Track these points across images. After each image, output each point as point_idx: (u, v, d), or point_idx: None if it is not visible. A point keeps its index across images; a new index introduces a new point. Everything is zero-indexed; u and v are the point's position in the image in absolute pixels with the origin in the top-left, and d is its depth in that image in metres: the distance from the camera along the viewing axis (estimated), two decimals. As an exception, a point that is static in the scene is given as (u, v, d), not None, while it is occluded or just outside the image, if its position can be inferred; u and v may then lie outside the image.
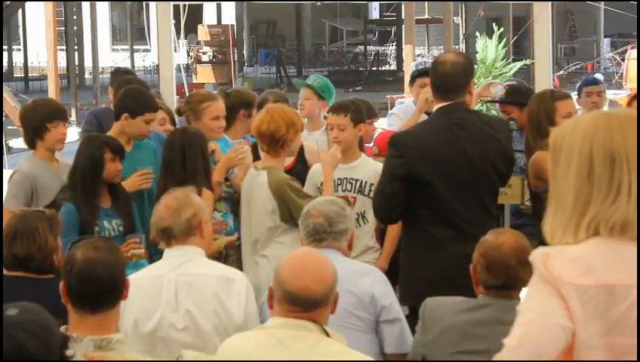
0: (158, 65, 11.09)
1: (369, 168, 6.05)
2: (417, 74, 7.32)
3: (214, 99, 6.43)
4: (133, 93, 6.32)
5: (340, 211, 4.64)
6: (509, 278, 3.99)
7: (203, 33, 27.98)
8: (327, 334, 3.51)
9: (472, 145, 5.08)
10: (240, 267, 5.72)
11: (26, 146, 6.31)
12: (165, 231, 4.42)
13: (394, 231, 5.87)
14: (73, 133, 8.06)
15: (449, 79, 5.16)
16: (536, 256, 2.56)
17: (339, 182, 6.06)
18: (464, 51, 28.16)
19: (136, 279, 4.51)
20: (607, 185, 2.51)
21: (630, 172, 2.52)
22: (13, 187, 5.99)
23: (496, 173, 5.15)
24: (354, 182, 6.02)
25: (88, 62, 31.06)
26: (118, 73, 8.18)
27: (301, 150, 6.32)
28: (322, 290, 3.48)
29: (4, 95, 15.78)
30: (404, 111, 7.45)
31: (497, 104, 7.25)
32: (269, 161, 5.75)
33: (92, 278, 3.56)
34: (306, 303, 3.47)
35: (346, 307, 4.19)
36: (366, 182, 6.01)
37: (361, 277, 4.51)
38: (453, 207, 5.02)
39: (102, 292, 3.56)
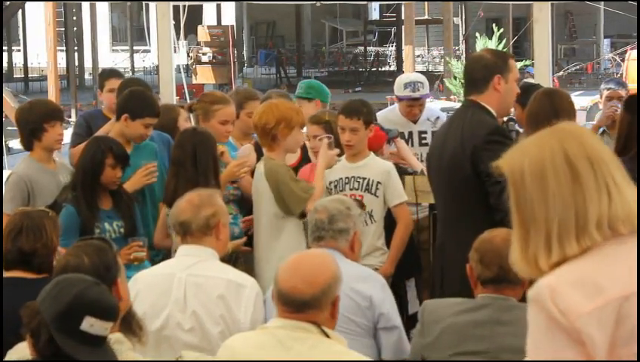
0: (157, 66, 11.09)
1: (378, 167, 6.01)
2: (403, 98, 7.33)
3: (226, 103, 6.38)
4: (137, 96, 6.28)
5: (344, 210, 4.63)
6: (502, 269, 3.97)
7: (203, 34, 28.02)
8: (327, 336, 3.51)
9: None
10: (248, 270, 5.73)
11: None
12: (182, 225, 4.44)
13: (400, 233, 5.86)
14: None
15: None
16: (542, 292, 2.39)
17: (346, 181, 6.04)
18: (464, 52, 28.19)
19: (147, 275, 4.56)
20: (595, 185, 2.48)
21: (610, 171, 2.50)
22: (9, 190, 5.96)
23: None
24: (361, 180, 5.98)
25: (88, 63, 31.11)
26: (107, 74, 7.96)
27: (305, 149, 6.33)
28: (310, 292, 3.46)
29: (4, 96, 15.78)
30: (382, 117, 7.46)
31: None
32: (267, 154, 5.79)
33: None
34: (295, 303, 3.47)
35: (343, 311, 4.16)
36: (373, 181, 5.96)
37: (360, 281, 4.48)
38: None
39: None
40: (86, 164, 5.61)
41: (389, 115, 7.39)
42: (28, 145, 6.11)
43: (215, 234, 4.44)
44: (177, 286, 4.36)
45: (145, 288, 4.39)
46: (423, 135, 7.28)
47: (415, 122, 7.31)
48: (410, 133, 7.22)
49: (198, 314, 4.32)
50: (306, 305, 3.46)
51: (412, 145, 7.16)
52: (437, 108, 8.40)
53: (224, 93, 6.84)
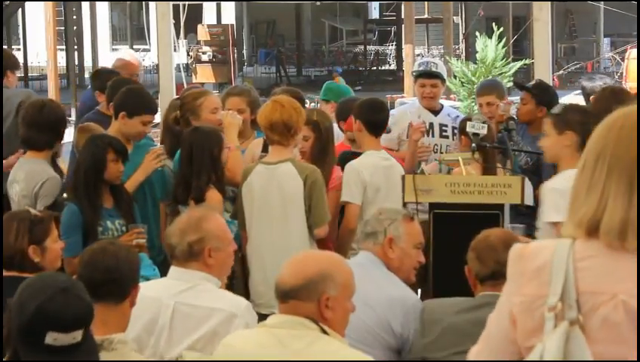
0: (157, 65, 11.10)
1: None
2: (417, 74, 7.39)
3: (207, 93, 6.41)
4: (134, 93, 6.29)
5: (376, 214, 4.76)
6: (499, 264, 4.00)
7: (203, 33, 28.03)
8: (326, 333, 3.51)
9: None
10: (246, 282, 5.72)
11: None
12: (169, 248, 4.30)
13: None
14: (72, 134, 8.06)
15: None
16: None
17: None
18: (464, 50, 28.18)
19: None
20: (588, 184, 2.37)
21: (608, 173, 2.34)
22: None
23: None
24: None
25: (88, 62, 31.11)
26: (102, 74, 7.99)
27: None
28: (292, 283, 3.51)
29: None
30: (400, 111, 7.55)
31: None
32: (283, 152, 5.70)
33: (97, 264, 3.70)
34: (279, 293, 3.54)
35: (372, 324, 4.30)
36: None
37: (385, 306, 4.43)
38: None
39: (104, 280, 3.62)
40: (87, 163, 5.61)
41: (409, 109, 7.44)
42: (50, 145, 6.14)
43: (202, 260, 4.21)
44: (164, 313, 4.15)
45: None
46: (444, 127, 7.31)
47: (436, 113, 7.34)
48: (432, 125, 7.25)
49: (183, 345, 4.11)
50: (288, 294, 3.52)
51: (432, 135, 7.20)
52: (456, 110, 8.43)
53: (201, 87, 6.89)
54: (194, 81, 25.90)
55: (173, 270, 4.29)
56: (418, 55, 26.91)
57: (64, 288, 3.07)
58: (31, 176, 6.00)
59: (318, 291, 3.53)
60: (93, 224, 5.51)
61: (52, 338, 2.99)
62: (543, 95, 6.90)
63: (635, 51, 21.90)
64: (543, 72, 7.38)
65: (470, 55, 24.91)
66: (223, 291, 4.33)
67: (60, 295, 3.05)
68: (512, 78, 15.74)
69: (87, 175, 5.59)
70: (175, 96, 8.41)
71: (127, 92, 6.27)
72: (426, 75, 7.29)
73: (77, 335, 3.03)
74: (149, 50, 34.38)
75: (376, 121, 6.29)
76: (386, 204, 5.84)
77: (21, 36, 36.98)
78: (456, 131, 7.24)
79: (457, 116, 7.50)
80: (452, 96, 18.09)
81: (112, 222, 5.62)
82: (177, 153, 6.08)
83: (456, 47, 29.65)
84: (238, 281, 5.78)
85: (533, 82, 7.31)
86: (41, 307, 3.00)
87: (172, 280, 4.26)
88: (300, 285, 3.52)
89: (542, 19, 7.32)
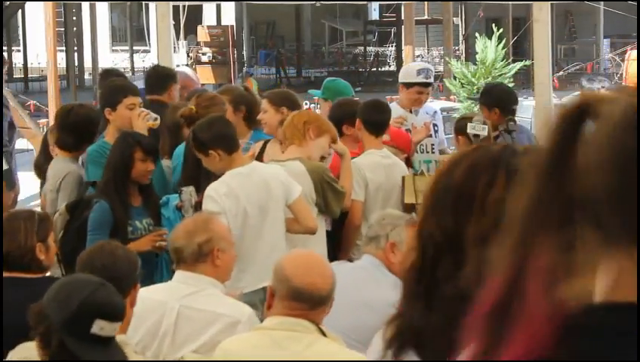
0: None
1: None
2: (417, 83, 7.43)
3: (223, 103, 6.39)
4: (108, 87, 6.44)
5: (379, 219, 4.78)
6: None
7: (202, 34, 28.07)
8: (324, 334, 3.53)
9: None
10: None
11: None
12: (176, 252, 4.31)
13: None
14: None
15: None
16: None
17: None
18: (463, 52, 28.19)
19: (140, 298, 4.41)
20: None
21: None
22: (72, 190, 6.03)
23: None
24: None
25: (88, 63, 31.10)
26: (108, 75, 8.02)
27: None
28: (327, 288, 3.55)
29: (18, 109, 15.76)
30: None
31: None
32: (294, 151, 5.84)
33: (95, 262, 3.78)
34: (313, 300, 3.52)
35: (374, 325, 4.27)
36: None
37: (393, 306, 4.47)
38: None
39: (101, 277, 3.63)
40: (116, 161, 5.62)
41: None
42: (76, 146, 6.20)
43: (211, 261, 4.25)
44: (169, 315, 4.18)
45: (136, 313, 4.05)
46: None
47: (416, 113, 7.40)
48: (413, 126, 7.30)
49: (186, 349, 4.15)
50: (323, 300, 3.54)
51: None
52: (431, 105, 8.53)
53: (215, 93, 6.86)
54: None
55: (179, 274, 4.30)
56: (418, 56, 26.93)
57: (102, 283, 3.27)
58: (57, 173, 6.12)
59: (333, 296, 3.60)
60: (124, 222, 5.52)
61: (99, 326, 3.14)
62: (486, 98, 6.96)
63: (634, 52, 21.94)
64: (543, 73, 7.38)
65: (470, 56, 24.94)
66: (227, 297, 4.34)
67: (102, 288, 3.25)
68: (512, 80, 15.77)
69: (116, 173, 5.60)
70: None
71: (103, 89, 6.44)
72: (425, 85, 7.39)
73: (117, 327, 3.22)
74: (148, 52, 34.41)
75: (376, 121, 6.42)
76: (388, 202, 6.03)
77: (21, 37, 37.00)
78: (437, 128, 7.35)
79: (435, 112, 7.66)
80: (452, 97, 18.12)
81: (140, 221, 5.62)
82: (176, 152, 6.09)
83: (456, 48, 29.69)
84: None
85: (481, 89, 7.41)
86: (89, 297, 3.17)
87: (178, 284, 4.29)
88: (332, 287, 3.58)
89: (542, 20, 7.33)
